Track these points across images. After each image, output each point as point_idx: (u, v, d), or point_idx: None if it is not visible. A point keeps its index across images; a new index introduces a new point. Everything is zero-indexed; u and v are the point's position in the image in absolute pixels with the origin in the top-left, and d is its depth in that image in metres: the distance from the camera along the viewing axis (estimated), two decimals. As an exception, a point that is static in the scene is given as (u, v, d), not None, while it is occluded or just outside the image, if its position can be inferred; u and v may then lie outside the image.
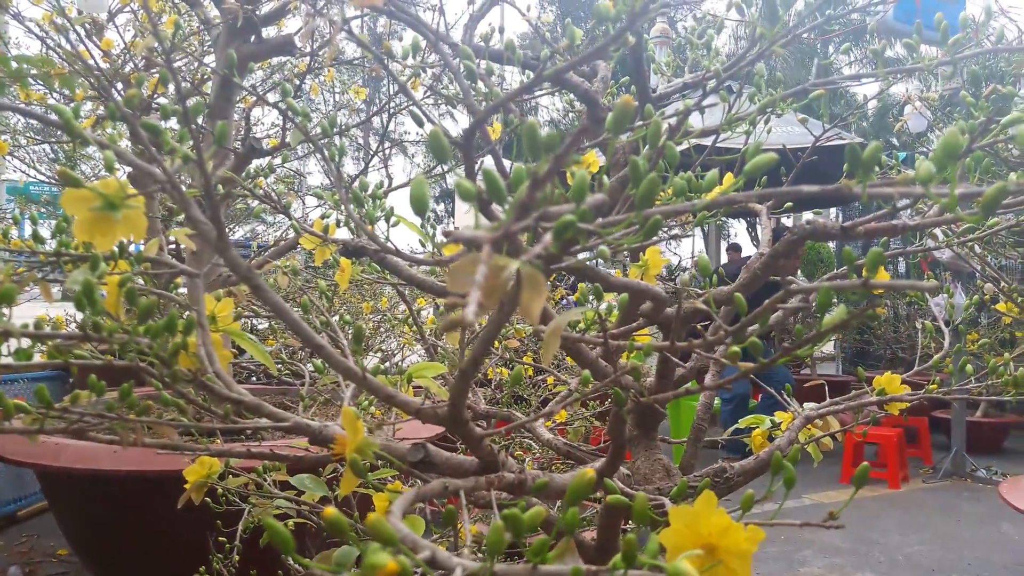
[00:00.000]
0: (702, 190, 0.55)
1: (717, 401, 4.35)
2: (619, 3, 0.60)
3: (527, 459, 1.81)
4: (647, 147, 0.55)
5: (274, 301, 0.53)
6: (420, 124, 0.64)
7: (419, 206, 0.32)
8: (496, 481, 0.59)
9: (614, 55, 0.88)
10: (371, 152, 2.80)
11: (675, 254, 14.68)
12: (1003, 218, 1.08)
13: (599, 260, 0.52)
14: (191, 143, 0.56)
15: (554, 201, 0.41)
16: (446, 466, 0.61)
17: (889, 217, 0.73)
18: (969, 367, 1.04)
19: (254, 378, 3.75)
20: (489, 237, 0.29)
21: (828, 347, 7.00)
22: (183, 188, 0.57)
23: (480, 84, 0.93)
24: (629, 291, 0.82)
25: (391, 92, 2.66)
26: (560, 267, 0.56)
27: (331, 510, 0.33)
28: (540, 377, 2.55)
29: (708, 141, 0.94)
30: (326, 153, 0.79)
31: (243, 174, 2.26)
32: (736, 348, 0.48)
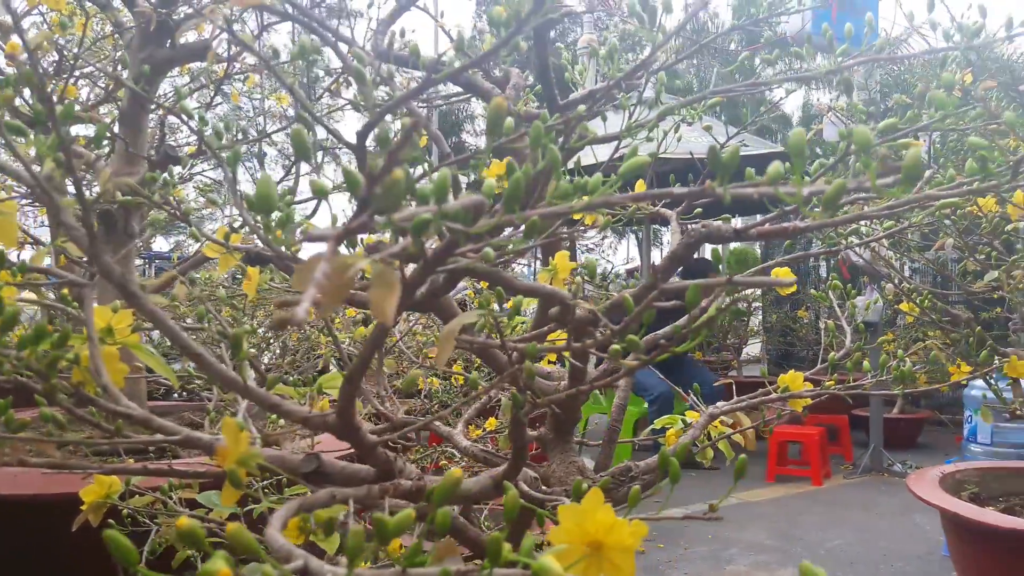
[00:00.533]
0: (587, 193, 0.56)
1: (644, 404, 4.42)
2: (509, 9, 0.61)
3: (452, 468, 1.79)
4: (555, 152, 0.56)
5: (150, 310, 0.51)
6: (309, 127, 0.63)
7: (264, 204, 0.32)
8: (391, 489, 0.58)
9: (506, 59, 0.89)
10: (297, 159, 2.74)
11: (608, 261, 14.96)
12: (901, 222, 1.14)
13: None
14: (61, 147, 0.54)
15: (427, 199, 0.41)
16: (340, 476, 0.60)
17: (782, 220, 0.76)
18: (866, 364, 1.09)
19: (175, 395, 3.60)
20: (334, 234, 0.29)
21: (754, 350, 7.22)
22: (54, 193, 0.54)
23: (386, 88, 0.92)
24: (535, 295, 0.82)
25: (317, 98, 2.62)
26: (447, 268, 0.56)
27: (184, 521, 0.32)
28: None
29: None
30: (223, 157, 0.77)
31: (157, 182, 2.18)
32: (617, 346, 0.49)
